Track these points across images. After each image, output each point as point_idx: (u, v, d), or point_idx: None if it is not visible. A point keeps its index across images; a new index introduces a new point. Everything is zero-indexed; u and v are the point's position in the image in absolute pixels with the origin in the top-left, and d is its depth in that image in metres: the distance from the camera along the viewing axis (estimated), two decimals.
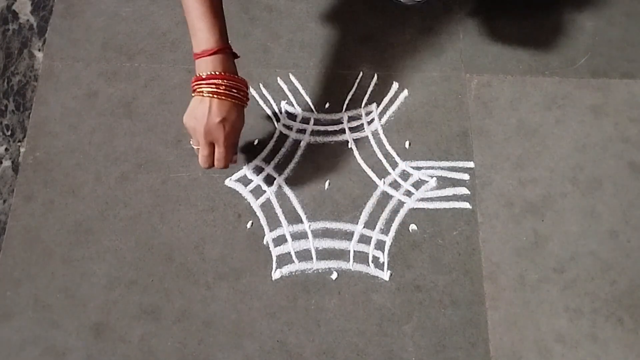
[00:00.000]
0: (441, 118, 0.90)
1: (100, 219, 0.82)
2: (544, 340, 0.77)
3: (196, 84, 0.73)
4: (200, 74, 0.73)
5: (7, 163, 0.86)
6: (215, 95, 0.73)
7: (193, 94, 0.74)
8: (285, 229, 0.83)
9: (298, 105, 0.91)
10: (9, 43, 0.95)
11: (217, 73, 0.73)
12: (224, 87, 0.73)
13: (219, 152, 0.75)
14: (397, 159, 0.87)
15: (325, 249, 0.82)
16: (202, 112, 0.73)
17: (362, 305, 0.79)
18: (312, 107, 0.90)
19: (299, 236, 0.82)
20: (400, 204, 0.84)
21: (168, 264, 0.80)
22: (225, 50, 0.74)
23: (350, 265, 0.81)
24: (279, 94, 0.91)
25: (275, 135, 0.89)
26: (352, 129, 0.89)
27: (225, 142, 0.75)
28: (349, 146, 0.88)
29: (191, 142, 0.78)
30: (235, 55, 0.76)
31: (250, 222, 0.83)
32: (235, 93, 0.74)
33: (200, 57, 0.73)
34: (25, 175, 0.85)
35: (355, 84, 0.92)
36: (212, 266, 0.80)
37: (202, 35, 0.72)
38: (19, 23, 0.96)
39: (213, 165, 0.76)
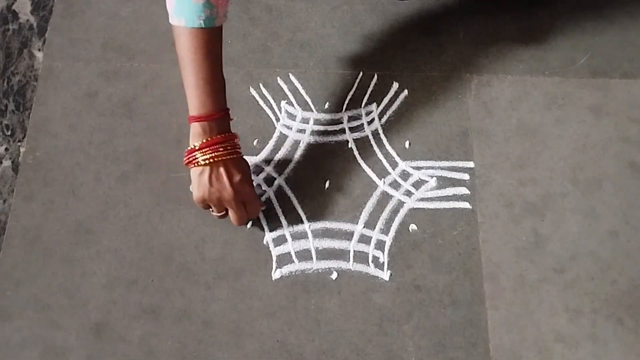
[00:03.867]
0: (441, 118, 0.90)
1: (100, 219, 0.82)
2: (544, 340, 0.77)
3: (192, 156, 0.73)
4: (194, 145, 0.72)
5: (7, 163, 0.86)
6: (222, 158, 0.72)
7: (190, 167, 0.74)
8: (285, 229, 0.83)
9: (298, 105, 0.91)
10: (9, 43, 0.95)
11: (218, 137, 0.72)
12: (226, 147, 0.73)
13: (252, 207, 0.77)
14: (397, 158, 0.87)
15: (325, 249, 0.82)
16: (218, 180, 0.73)
17: (362, 305, 0.79)
18: (312, 107, 0.90)
19: (299, 236, 0.82)
20: (400, 203, 0.84)
21: (168, 264, 0.80)
22: (225, 114, 0.74)
23: (350, 265, 0.81)
24: (279, 94, 0.91)
25: (275, 135, 0.89)
26: (352, 129, 0.89)
27: (253, 195, 0.77)
28: (349, 146, 0.88)
29: (213, 213, 0.78)
30: (230, 117, 0.76)
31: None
32: (236, 149, 0.75)
33: (199, 121, 0.72)
34: (25, 175, 0.85)
35: (355, 84, 0.92)
36: (212, 266, 0.80)
37: (204, 99, 0.71)
38: (19, 23, 0.96)
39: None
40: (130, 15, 0.96)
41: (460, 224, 0.83)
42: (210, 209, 0.78)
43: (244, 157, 0.77)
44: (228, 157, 0.73)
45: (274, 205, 0.84)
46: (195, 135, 0.72)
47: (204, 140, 0.72)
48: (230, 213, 0.77)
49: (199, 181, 0.73)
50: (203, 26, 0.69)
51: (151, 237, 0.82)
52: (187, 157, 0.73)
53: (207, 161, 0.72)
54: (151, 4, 0.97)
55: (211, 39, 0.71)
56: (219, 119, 0.73)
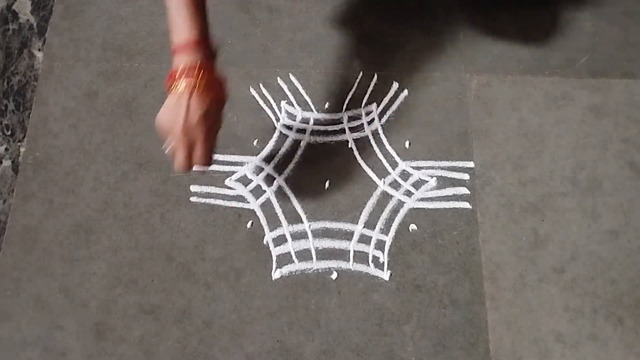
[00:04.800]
0: (441, 118, 0.90)
1: (100, 219, 0.82)
2: (544, 340, 0.77)
3: (172, 81, 0.66)
4: (177, 68, 0.65)
5: (7, 163, 0.86)
6: (194, 90, 0.65)
7: (168, 93, 0.66)
8: (285, 228, 0.83)
9: (298, 105, 0.91)
10: (9, 43, 0.95)
11: (198, 64, 0.66)
12: (204, 81, 0.66)
13: (200, 149, 0.67)
14: (397, 158, 0.87)
15: (325, 248, 0.82)
16: (178, 110, 0.65)
17: (362, 305, 0.79)
18: (312, 107, 0.90)
19: (299, 236, 0.82)
20: (400, 203, 0.84)
21: (168, 264, 0.80)
22: (208, 43, 0.68)
23: (350, 265, 0.81)
24: (279, 94, 0.91)
25: (275, 135, 0.89)
26: (352, 129, 0.89)
27: (207, 138, 0.67)
28: (349, 146, 0.88)
29: (165, 147, 0.69)
30: (216, 53, 0.70)
31: (250, 222, 0.83)
32: (216, 88, 0.68)
33: (180, 50, 0.66)
34: (25, 175, 0.85)
35: (355, 84, 0.92)
36: (212, 266, 0.80)
37: (185, 25, 0.65)
38: (19, 23, 0.96)
39: (191, 167, 0.68)
40: (130, 15, 0.96)
41: (460, 224, 0.83)
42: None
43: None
44: (204, 92, 0.66)
45: (273, 205, 0.84)
46: (179, 62, 0.66)
47: (188, 65, 0.66)
48: (177, 153, 0.67)
49: (166, 105, 0.66)
50: None
51: (151, 237, 0.82)
52: (168, 82, 0.67)
53: (187, 89, 0.65)
54: (151, 4, 0.97)
55: None
56: (203, 47, 0.67)
